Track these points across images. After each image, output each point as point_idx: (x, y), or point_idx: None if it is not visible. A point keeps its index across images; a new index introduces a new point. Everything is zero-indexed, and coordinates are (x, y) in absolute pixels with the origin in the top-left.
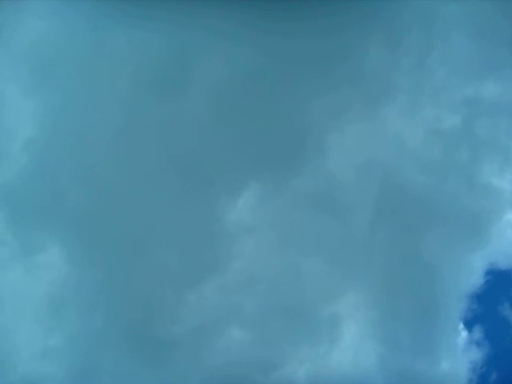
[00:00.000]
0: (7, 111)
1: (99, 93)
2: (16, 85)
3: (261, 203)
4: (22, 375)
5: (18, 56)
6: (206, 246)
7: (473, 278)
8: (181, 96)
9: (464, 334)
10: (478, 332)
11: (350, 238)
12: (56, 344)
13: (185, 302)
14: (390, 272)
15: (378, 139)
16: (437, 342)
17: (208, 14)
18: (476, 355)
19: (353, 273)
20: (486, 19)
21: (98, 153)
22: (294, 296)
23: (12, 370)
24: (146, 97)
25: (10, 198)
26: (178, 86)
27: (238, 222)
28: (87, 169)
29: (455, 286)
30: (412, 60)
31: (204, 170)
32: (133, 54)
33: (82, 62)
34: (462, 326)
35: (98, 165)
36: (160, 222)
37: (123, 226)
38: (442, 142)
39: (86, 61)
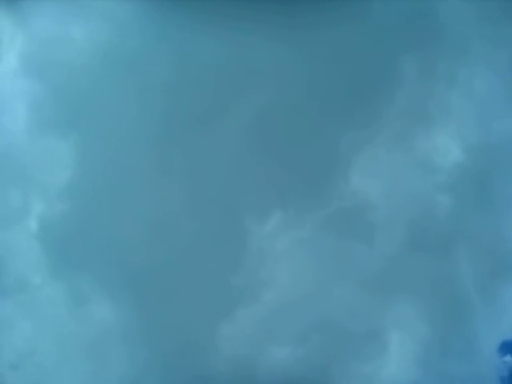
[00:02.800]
0: (44, 151)
1: (134, 126)
2: (52, 120)
3: (288, 229)
4: None
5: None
6: (236, 274)
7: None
8: (214, 125)
9: None
10: None
11: (381, 261)
12: None
13: (222, 335)
14: (425, 292)
15: (407, 167)
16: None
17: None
18: None
19: (387, 294)
20: None
21: (138, 194)
22: (331, 318)
23: None
24: (179, 127)
25: (51, 241)
26: (212, 116)
27: (268, 249)
28: (126, 212)
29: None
30: (445, 88)
31: (233, 198)
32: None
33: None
34: None
35: (138, 206)
36: (192, 255)
37: (159, 262)
38: (474, 171)
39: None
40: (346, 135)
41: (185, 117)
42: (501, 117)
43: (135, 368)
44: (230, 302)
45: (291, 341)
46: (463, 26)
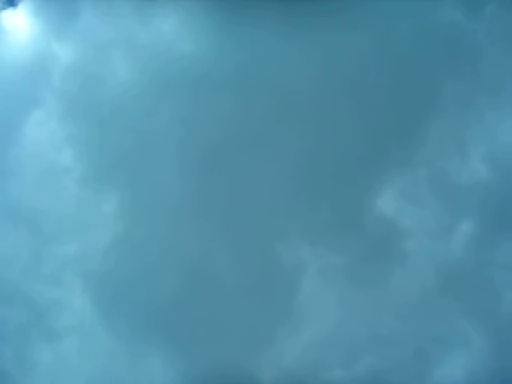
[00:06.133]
0: (89, 203)
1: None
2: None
3: (323, 259)
4: None
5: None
6: (273, 301)
7: None
8: (250, 162)
9: None
10: None
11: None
12: None
13: (266, 362)
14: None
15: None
16: None
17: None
18: None
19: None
20: None
21: (180, 242)
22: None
23: None
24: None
25: (100, 291)
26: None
27: (307, 279)
28: (170, 261)
29: None
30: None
31: (269, 231)
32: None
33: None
34: None
35: (180, 254)
36: (232, 295)
37: (204, 303)
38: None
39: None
40: (378, 165)
41: (221, 158)
42: None
43: None
44: (270, 329)
45: (335, 366)
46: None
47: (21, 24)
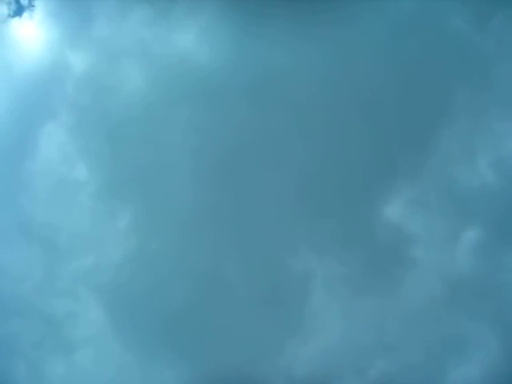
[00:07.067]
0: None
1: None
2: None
3: (333, 269)
4: None
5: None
6: (283, 311)
7: None
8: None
9: None
10: None
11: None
12: None
13: (277, 371)
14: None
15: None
16: None
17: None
18: None
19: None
20: None
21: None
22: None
23: None
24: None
25: (113, 303)
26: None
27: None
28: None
29: None
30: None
31: (278, 240)
32: None
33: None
34: None
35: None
36: (243, 305)
37: (217, 314)
38: None
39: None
40: (386, 175)
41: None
42: None
43: None
44: (282, 341)
45: (346, 374)
46: None
47: (32, 33)
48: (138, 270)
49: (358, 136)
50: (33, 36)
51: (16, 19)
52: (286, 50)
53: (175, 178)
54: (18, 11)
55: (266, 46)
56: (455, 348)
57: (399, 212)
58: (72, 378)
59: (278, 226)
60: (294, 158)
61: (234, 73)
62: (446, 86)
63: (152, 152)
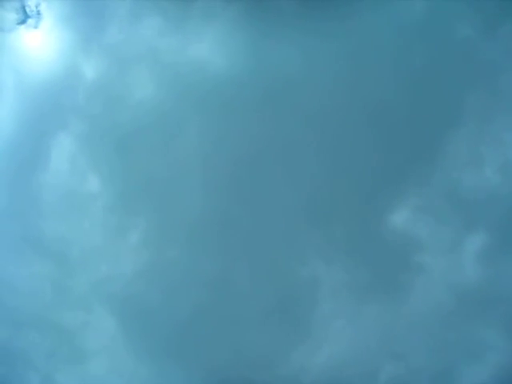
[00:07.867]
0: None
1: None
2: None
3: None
4: None
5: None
6: (292, 319)
7: None
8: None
9: None
10: None
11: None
12: None
13: (286, 378)
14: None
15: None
16: None
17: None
18: None
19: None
20: None
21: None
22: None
23: None
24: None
25: (125, 315)
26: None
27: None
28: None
29: None
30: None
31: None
32: None
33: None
34: None
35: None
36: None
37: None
38: None
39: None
40: (394, 182)
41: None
42: None
43: None
44: (292, 349)
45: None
46: None
47: (42, 42)
48: (150, 281)
49: (366, 144)
50: (43, 45)
51: (25, 27)
52: (299, 61)
53: (187, 188)
54: (27, 19)
55: (279, 55)
56: (463, 354)
57: (406, 219)
58: None
59: (286, 234)
60: (303, 166)
61: (247, 82)
62: (454, 93)
63: (164, 162)
